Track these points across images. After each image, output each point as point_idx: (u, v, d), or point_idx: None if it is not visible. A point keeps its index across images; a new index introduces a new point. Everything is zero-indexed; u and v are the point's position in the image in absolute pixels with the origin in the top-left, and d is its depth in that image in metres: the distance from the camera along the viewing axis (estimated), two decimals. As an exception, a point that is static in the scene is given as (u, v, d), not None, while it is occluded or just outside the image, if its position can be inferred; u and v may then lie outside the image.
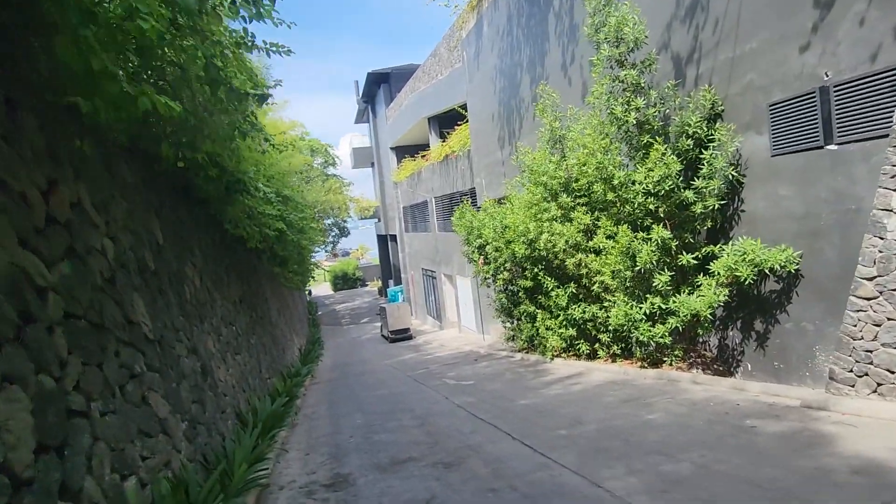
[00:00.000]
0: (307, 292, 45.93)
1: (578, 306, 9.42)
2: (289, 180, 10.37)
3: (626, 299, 7.88)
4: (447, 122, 22.39)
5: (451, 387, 10.11)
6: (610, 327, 8.62)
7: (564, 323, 9.88)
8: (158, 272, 5.22)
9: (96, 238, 3.83)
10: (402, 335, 23.75)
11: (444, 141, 21.50)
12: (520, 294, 11.87)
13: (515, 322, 12.93)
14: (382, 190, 33.25)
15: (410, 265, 29.25)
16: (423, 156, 24.11)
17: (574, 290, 9.48)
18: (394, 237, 32.72)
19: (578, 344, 9.76)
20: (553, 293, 9.72)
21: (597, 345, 9.50)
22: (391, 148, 29.83)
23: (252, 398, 7.79)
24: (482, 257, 13.10)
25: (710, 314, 6.83)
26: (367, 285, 49.24)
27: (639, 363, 8.54)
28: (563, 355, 10.75)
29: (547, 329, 10.74)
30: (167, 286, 5.40)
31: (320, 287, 53.94)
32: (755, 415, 5.55)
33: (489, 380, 10.20)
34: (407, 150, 27.68)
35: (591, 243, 8.73)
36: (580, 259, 8.83)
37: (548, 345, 10.73)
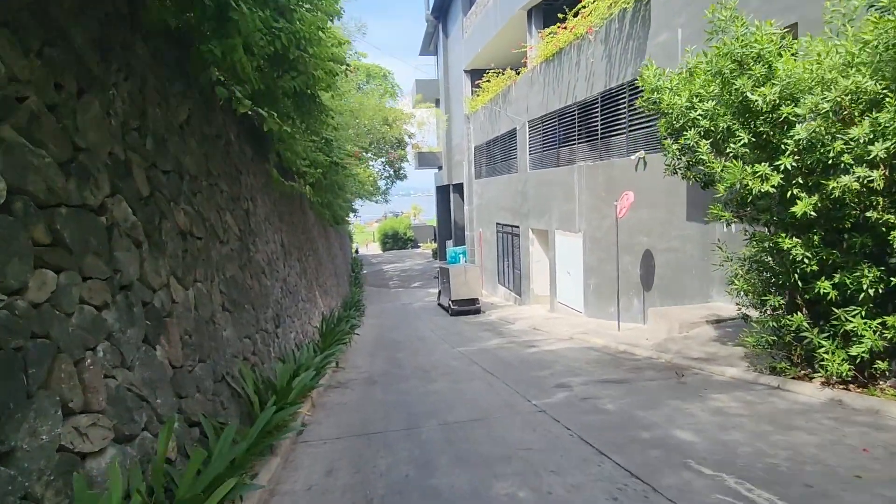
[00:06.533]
0: (354, 250, 38.99)
1: None
2: None
3: None
4: (553, 13, 14.02)
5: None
6: None
7: None
8: None
9: None
10: (469, 308, 16.16)
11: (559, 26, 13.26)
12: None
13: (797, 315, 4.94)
14: (449, 130, 25.30)
15: (479, 220, 21.42)
16: (523, 61, 15.96)
17: None
18: (458, 187, 24.85)
19: None
20: None
21: None
22: (466, 71, 21.71)
23: None
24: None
25: None
26: (419, 247, 41.76)
27: None
28: None
29: None
30: None
31: (369, 247, 46.99)
32: None
33: None
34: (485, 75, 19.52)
35: None
36: None
37: None
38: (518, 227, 16.77)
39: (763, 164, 4.60)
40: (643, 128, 10.26)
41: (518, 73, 16.30)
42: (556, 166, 13.90)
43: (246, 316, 4.97)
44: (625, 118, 10.78)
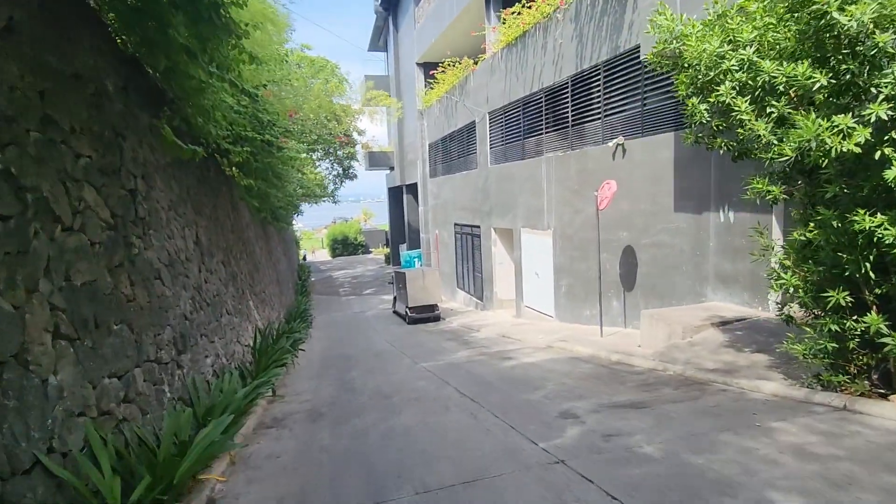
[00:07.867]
0: (301, 257, 36.48)
1: None
2: None
3: None
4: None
5: None
6: None
7: None
8: None
9: None
10: (427, 315, 14.65)
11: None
12: None
13: None
14: (401, 128, 23.72)
15: (435, 221, 19.96)
16: (482, 46, 14.68)
17: None
18: (412, 187, 23.29)
19: None
20: None
21: None
22: (419, 64, 20.26)
23: None
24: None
25: None
26: (370, 252, 39.71)
27: None
28: None
29: None
30: None
31: (316, 254, 44.47)
32: None
33: None
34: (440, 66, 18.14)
35: None
36: None
37: None
38: (479, 226, 15.44)
39: (843, 115, 3.38)
40: (620, 112, 9.16)
41: (476, 63, 15.02)
42: (522, 159, 12.67)
43: (114, 342, 3.21)
44: (599, 103, 9.65)
